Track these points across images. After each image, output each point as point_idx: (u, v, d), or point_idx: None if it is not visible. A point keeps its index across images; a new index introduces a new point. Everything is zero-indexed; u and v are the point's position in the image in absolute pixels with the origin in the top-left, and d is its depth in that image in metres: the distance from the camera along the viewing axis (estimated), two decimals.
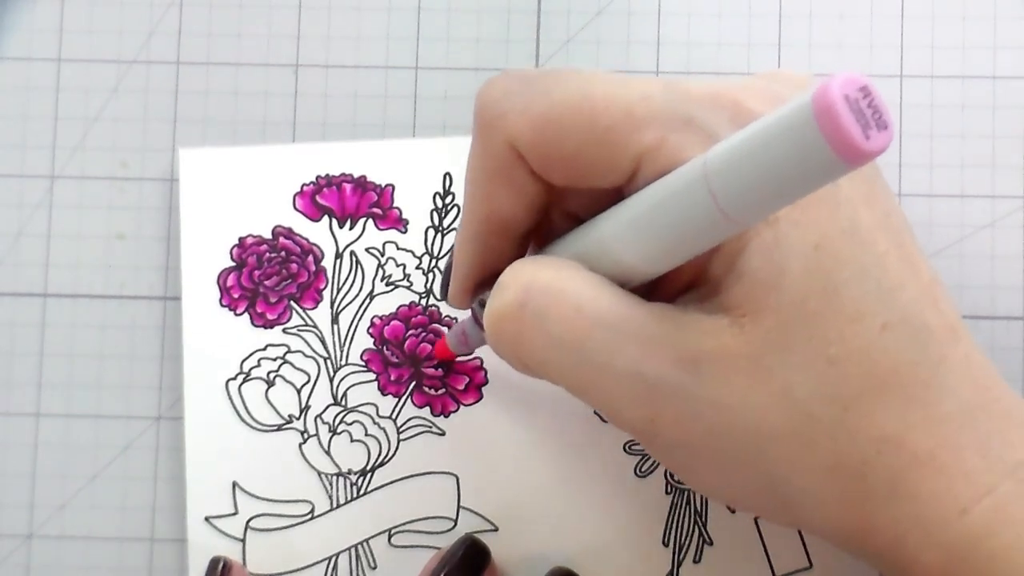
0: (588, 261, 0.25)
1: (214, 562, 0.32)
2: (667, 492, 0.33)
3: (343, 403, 0.33)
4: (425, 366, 0.33)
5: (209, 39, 0.35)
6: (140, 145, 0.35)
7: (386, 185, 0.34)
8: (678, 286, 0.25)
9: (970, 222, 0.34)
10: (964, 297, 0.33)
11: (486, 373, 0.33)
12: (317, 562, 0.33)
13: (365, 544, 0.33)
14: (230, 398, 0.33)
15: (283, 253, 0.33)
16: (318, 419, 0.33)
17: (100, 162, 0.35)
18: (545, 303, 0.24)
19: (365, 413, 0.33)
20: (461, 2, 0.35)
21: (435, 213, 0.33)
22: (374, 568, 0.33)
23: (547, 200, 0.26)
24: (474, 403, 0.33)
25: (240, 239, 0.33)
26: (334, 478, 0.33)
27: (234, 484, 0.33)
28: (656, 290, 0.25)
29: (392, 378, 0.33)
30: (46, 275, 0.34)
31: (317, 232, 0.34)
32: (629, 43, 0.34)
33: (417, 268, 0.33)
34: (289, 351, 0.33)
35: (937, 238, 0.34)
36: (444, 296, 0.30)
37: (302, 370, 0.33)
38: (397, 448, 0.33)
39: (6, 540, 0.34)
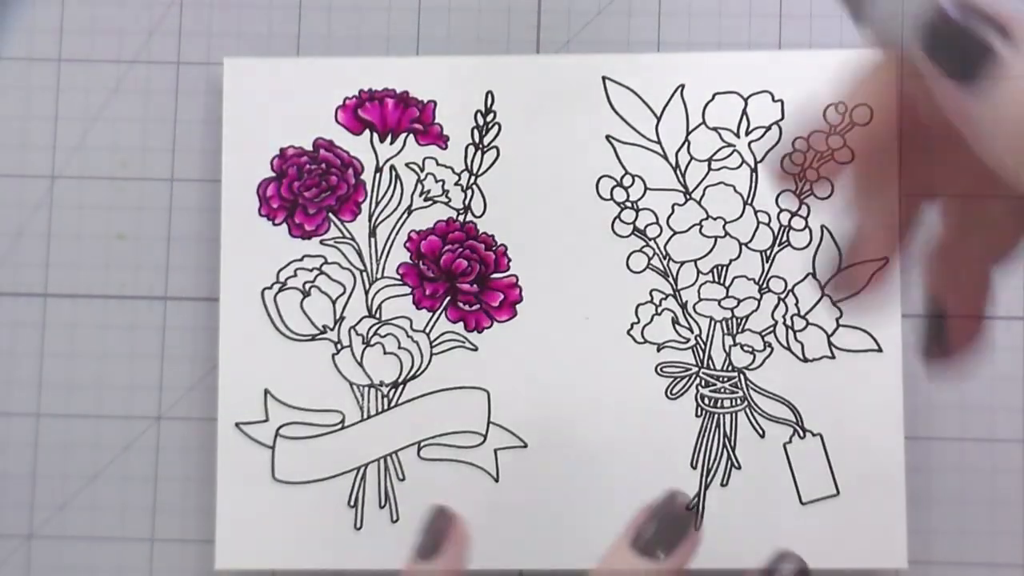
0: None
1: (438, 510, 0.30)
2: (697, 415, 0.33)
3: (377, 315, 0.33)
4: (460, 281, 0.33)
5: (209, 39, 0.35)
6: (140, 145, 0.35)
7: (428, 101, 0.34)
8: None
9: None
10: None
11: (521, 291, 0.33)
12: (346, 471, 0.33)
13: (394, 456, 0.33)
14: (265, 307, 0.33)
15: (323, 165, 0.34)
16: (352, 330, 0.33)
17: (100, 162, 0.35)
18: None
19: (399, 326, 0.33)
20: (461, 2, 0.35)
21: (476, 131, 0.34)
22: (403, 480, 0.33)
23: None
24: (508, 320, 0.33)
25: (281, 150, 0.34)
26: (366, 389, 0.33)
27: (266, 392, 0.33)
28: None
29: (427, 292, 0.33)
30: (46, 275, 0.34)
31: (358, 145, 0.34)
32: (629, 43, 0.35)
33: (456, 184, 0.33)
34: (326, 262, 0.33)
35: None
36: None
37: (338, 281, 0.33)
38: (429, 362, 0.33)
39: (6, 540, 0.34)
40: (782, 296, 0.33)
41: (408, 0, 0.35)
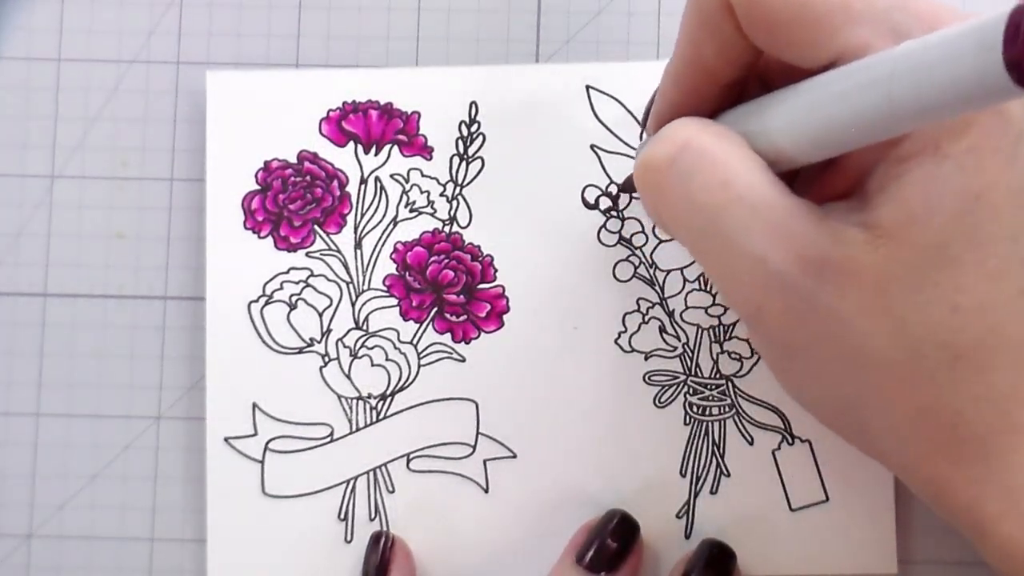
0: (752, 135, 0.25)
1: (376, 536, 0.32)
2: (686, 423, 0.33)
3: (364, 327, 0.33)
4: (447, 292, 0.33)
5: (209, 39, 0.35)
6: (140, 145, 0.35)
7: (412, 112, 0.34)
8: (833, 191, 0.25)
9: None
10: None
11: (508, 301, 0.33)
12: (335, 485, 0.33)
13: (383, 468, 0.33)
14: (252, 320, 0.33)
15: (308, 177, 0.34)
16: (339, 343, 0.33)
17: (100, 162, 0.35)
18: (695, 165, 0.24)
19: (386, 338, 0.33)
20: (461, 2, 0.35)
21: (460, 141, 0.34)
22: (392, 492, 0.33)
23: (750, 59, 0.25)
24: (495, 331, 0.33)
25: (266, 163, 0.34)
26: (354, 402, 0.33)
27: (254, 405, 0.33)
28: (811, 190, 0.25)
29: (414, 304, 0.33)
30: (46, 275, 0.34)
31: (342, 157, 0.34)
32: (629, 43, 0.34)
33: (441, 195, 0.33)
34: (312, 275, 0.33)
35: None
36: (643, 126, 0.30)
37: (324, 294, 0.33)
38: (417, 373, 0.33)
39: (6, 540, 0.34)
40: None
41: (408, 0, 0.35)
